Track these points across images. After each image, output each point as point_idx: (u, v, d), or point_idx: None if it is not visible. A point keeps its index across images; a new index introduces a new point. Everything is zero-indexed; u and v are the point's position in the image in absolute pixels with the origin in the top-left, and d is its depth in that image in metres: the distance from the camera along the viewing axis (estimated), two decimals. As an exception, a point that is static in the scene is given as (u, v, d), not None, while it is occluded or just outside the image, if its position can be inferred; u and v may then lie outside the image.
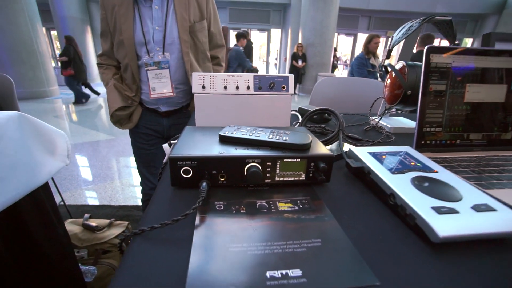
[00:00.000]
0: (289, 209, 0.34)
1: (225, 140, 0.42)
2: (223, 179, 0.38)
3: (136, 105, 1.08)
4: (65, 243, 0.98)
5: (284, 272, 0.24)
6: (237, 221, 0.31)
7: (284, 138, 0.40)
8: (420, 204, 0.31)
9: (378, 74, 3.72)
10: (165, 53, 0.95)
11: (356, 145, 0.60)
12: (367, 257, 0.26)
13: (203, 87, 0.59)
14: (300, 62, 6.54)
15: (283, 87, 0.61)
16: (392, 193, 0.34)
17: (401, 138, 0.67)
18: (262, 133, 0.43)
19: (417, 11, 8.06)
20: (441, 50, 0.50)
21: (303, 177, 0.39)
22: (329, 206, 0.35)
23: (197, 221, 0.31)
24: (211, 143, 0.41)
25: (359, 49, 8.91)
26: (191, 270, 0.24)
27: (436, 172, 0.39)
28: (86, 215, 1.52)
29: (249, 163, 0.37)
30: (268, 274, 0.24)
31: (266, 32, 9.41)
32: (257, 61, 10.20)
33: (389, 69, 0.72)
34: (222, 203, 0.35)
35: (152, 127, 1.14)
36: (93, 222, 1.40)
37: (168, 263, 0.25)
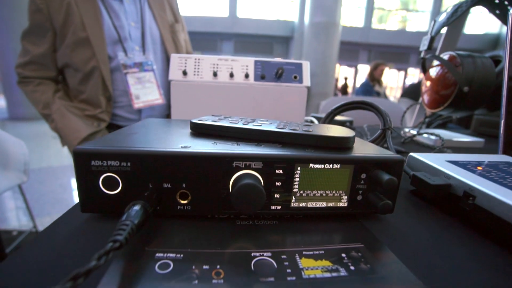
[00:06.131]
0: (328, 275, 0.15)
1: (200, 132, 0.24)
2: (185, 201, 0.19)
3: (103, 130, 0.80)
4: None
5: None
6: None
7: (305, 129, 0.22)
8: None
9: (383, 102, 3.63)
10: (146, 53, 0.80)
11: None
12: None
13: (184, 72, 0.42)
14: (302, 91, 6.58)
15: (295, 77, 0.44)
16: None
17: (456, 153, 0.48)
18: (265, 123, 0.25)
19: (415, 45, 8.33)
20: (533, 14, 0.34)
21: (344, 201, 0.20)
22: (405, 263, 0.16)
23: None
24: (174, 135, 0.23)
25: (359, 79, 9.09)
26: None
27: None
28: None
29: (239, 169, 0.18)
30: None
31: (269, 63, 9.69)
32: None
33: (429, 66, 0.56)
34: (173, 255, 0.15)
35: None
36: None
37: None
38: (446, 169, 0.24)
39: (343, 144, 0.21)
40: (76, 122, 0.76)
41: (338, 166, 0.19)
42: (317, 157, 0.19)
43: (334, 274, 0.15)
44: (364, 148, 0.22)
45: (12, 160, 0.78)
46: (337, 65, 7.28)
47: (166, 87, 0.92)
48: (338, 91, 7.64)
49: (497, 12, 0.51)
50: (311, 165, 0.19)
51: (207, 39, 8.59)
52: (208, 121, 0.24)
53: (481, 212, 0.20)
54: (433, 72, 0.55)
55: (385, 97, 4.06)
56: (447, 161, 0.26)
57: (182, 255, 0.15)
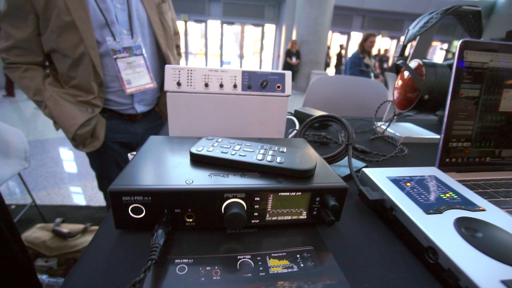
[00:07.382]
0: (285, 271, 0.23)
1: (198, 160, 0.31)
2: (191, 219, 0.26)
3: (98, 115, 0.82)
4: (20, 260, 0.85)
5: None
6: (205, 299, 0.20)
7: (279, 160, 0.29)
8: (484, 275, 0.20)
9: (372, 74, 3.66)
10: (134, 36, 0.80)
11: (364, 160, 0.50)
12: None
13: (178, 83, 0.47)
14: (294, 59, 6.43)
15: (278, 87, 0.50)
16: (433, 248, 0.24)
17: (414, 150, 0.57)
18: (249, 150, 0.31)
19: (411, 12, 8.08)
20: (479, 45, 0.40)
21: (304, 215, 0.28)
22: (339, 260, 0.25)
23: (140, 302, 0.19)
24: (178, 164, 0.29)
25: (351, 47, 8.88)
26: None
27: (483, 210, 0.29)
28: (58, 220, 1.38)
29: (228, 198, 0.26)
30: None
31: (260, 28, 9.23)
32: (251, 57, 10.01)
33: (402, 68, 0.62)
34: (186, 260, 0.23)
35: (123, 139, 0.91)
36: (65, 228, 1.27)
37: None
38: (383, 186, 0.32)
39: (306, 174, 0.28)
40: (71, 109, 0.77)
41: (300, 193, 0.27)
42: (285, 187, 0.26)
43: (289, 270, 0.23)
44: (321, 174, 0.29)
45: (12, 148, 0.81)
46: (330, 32, 7.04)
47: (156, 70, 0.93)
48: (329, 58, 7.49)
49: (463, 23, 0.56)
50: (280, 193, 0.26)
51: (194, 0, 7.96)
52: (204, 150, 0.30)
53: (398, 222, 0.28)
54: (405, 74, 0.61)
55: (375, 69, 4.06)
56: (387, 177, 0.34)
57: (192, 260, 0.23)
